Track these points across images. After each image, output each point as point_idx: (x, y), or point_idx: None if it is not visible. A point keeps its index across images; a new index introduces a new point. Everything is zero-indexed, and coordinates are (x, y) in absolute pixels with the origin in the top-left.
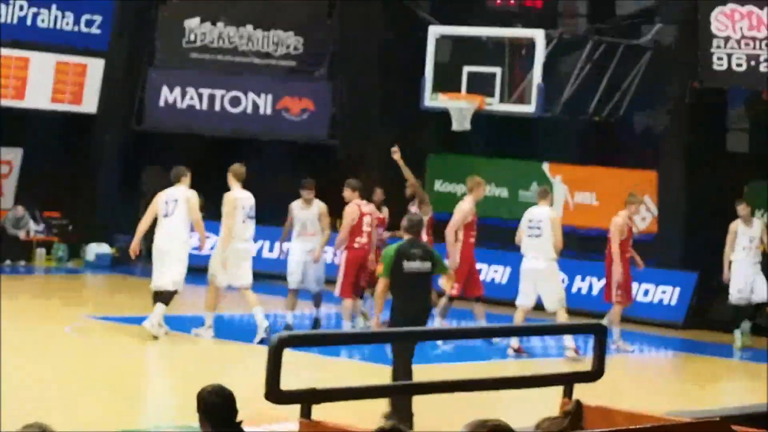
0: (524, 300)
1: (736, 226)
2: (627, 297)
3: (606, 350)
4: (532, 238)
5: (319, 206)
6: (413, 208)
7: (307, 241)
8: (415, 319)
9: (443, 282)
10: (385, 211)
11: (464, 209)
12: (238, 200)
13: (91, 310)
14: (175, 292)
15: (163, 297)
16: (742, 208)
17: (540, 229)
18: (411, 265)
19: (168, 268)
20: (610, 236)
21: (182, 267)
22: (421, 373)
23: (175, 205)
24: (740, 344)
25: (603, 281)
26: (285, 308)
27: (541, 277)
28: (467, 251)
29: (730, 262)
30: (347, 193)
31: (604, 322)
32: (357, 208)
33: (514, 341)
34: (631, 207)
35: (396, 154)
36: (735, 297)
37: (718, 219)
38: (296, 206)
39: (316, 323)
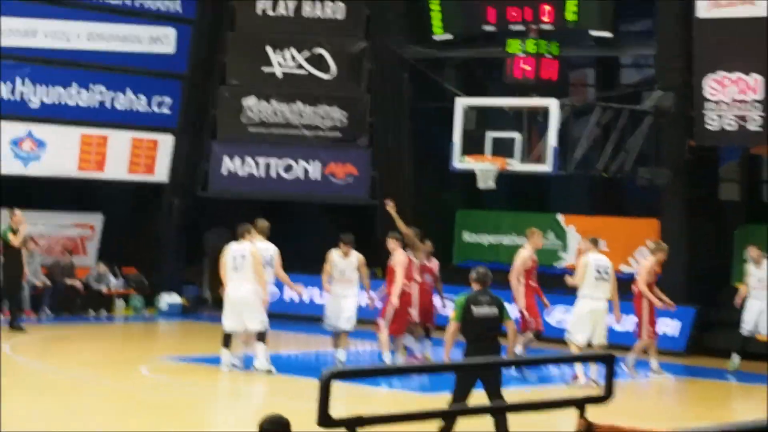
0: (584, 338)
1: (750, 269)
2: (654, 332)
3: (616, 376)
4: (600, 282)
5: (357, 257)
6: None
7: (345, 287)
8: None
9: (507, 325)
10: (434, 261)
11: (524, 256)
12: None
13: (165, 352)
14: (265, 332)
15: (261, 336)
16: (752, 251)
17: (608, 274)
18: (480, 311)
19: (251, 314)
20: (638, 278)
21: (262, 309)
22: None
23: (242, 260)
24: (734, 367)
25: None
26: (332, 346)
27: (602, 316)
28: (529, 293)
29: (743, 299)
30: (392, 244)
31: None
32: (406, 256)
33: (579, 372)
34: (658, 254)
35: (390, 207)
36: (745, 330)
37: (713, 260)
38: (336, 255)
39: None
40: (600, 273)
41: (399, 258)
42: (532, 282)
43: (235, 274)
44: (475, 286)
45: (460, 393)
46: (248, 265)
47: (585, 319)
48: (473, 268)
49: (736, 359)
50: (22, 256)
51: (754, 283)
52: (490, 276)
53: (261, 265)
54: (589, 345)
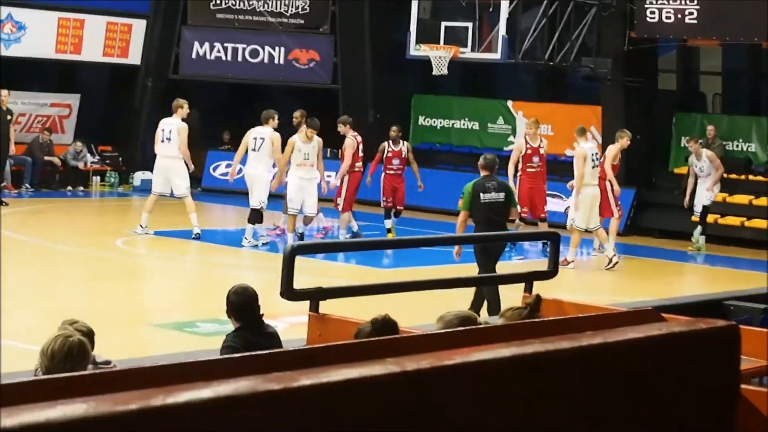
0: (585, 223)
1: (692, 160)
2: (620, 210)
3: (559, 254)
4: (594, 169)
5: (318, 141)
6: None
7: (307, 170)
8: (493, 245)
9: (512, 211)
10: (403, 145)
11: (517, 145)
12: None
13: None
14: (261, 210)
15: (252, 215)
16: (691, 145)
17: (598, 160)
18: (487, 197)
19: (255, 192)
20: (604, 162)
21: (266, 191)
22: (409, 274)
23: (262, 142)
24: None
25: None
26: (288, 230)
27: (597, 201)
28: (525, 180)
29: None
30: (341, 128)
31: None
32: (354, 139)
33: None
34: (623, 140)
35: None
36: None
37: (651, 145)
38: (298, 140)
39: (301, 237)
40: (594, 161)
41: (347, 141)
42: (529, 169)
43: (253, 154)
44: (483, 172)
45: (485, 271)
46: (265, 148)
47: (588, 206)
48: (427, 149)
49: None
50: (10, 134)
51: (698, 173)
52: (497, 162)
53: (279, 151)
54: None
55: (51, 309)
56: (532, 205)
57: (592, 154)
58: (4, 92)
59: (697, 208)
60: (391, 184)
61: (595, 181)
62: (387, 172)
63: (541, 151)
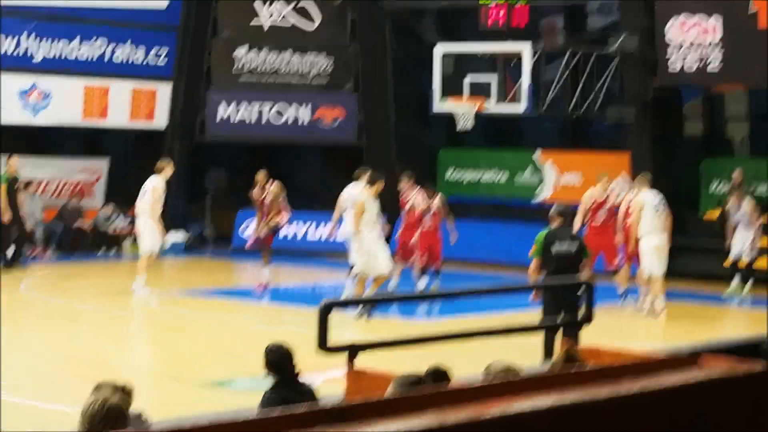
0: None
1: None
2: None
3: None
4: (655, 219)
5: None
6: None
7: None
8: (564, 293)
9: (585, 263)
10: (437, 199)
11: (584, 197)
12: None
13: (172, 286)
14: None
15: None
16: (731, 201)
17: (661, 208)
18: (559, 247)
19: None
20: (632, 212)
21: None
22: (453, 324)
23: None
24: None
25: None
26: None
27: (662, 249)
28: (589, 233)
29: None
30: (405, 184)
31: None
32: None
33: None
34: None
35: None
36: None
37: (681, 190)
38: (371, 198)
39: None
40: (657, 210)
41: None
42: (594, 223)
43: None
44: (555, 222)
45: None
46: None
47: (653, 254)
48: (456, 202)
49: (735, 285)
50: (18, 200)
51: (738, 219)
52: (570, 212)
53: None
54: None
55: (89, 371)
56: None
57: (653, 204)
58: (14, 160)
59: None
60: (427, 241)
61: (660, 228)
62: (421, 229)
63: (607, 204)
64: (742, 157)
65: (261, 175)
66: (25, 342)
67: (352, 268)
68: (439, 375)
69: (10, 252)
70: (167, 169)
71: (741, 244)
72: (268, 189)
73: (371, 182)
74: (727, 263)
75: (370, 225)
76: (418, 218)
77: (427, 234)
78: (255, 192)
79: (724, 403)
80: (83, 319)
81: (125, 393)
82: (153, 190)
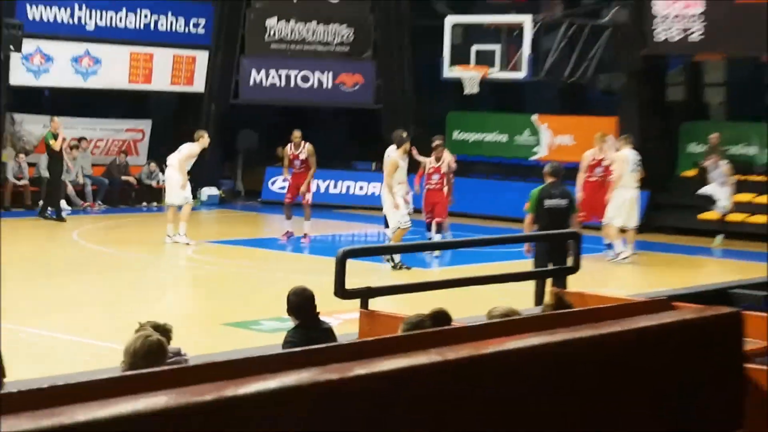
0: (620, 222)
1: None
2: None
3: (581, 251)
4: (634, 173)
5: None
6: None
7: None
8: (555, 247)
9: (573, 217)
10: (445, 158)
11: (584, 156)
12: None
13: (207, 236)
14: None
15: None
16: (709, 161)
17: (639, 166)
18: (551, 203)
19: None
20: (615, 167)
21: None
22: (457, 271)
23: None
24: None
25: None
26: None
27: (635, 203)
28: (587, 188)
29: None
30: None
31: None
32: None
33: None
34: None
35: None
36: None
37: (662, 151)
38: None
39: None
40: (634, 165)
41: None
42: (591, 178)
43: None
44: (549, 179)
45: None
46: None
47: (626, 206)
48: (462, 160)
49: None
50: (63, 157)
51: (714, 177)
52: (562, 170)
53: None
54: (623, 229)
55: (132, 311)
56: (591, 210)
57: (632, 160)
58: (56, 119)
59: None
60: (431, 199)
61: (632, 184)
62: (427, 187)
63: (604, 162)
64: (718, 121)
65: (297, 133)
66: (78, 286)
67: (385, 221)
68: (439, 317)
69: (63, 205)
70: (203, 139)
71: (724, 200)
72: (303, 147)
73: (399, 143)
74: (716, 216)
75: (399, 182)
76: (426, 176)
77: (432, 192)
78: (289, 148)
79: (694, 341)
80: (127, 265)
81: (164, 332)
82: (187, 150)
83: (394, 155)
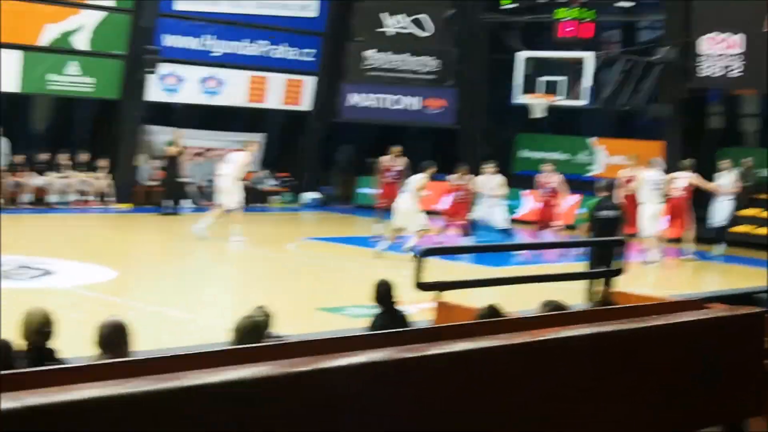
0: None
1: (719, 176)
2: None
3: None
4: (653, 192)
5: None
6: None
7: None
8: (605, 252)
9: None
10: (468, 178)
11: (619, 174)
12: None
13: (307, 234)
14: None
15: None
16: (722, 163)
17: (657, 186)
18: (602, 214)
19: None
20: (633, 185)
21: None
22: (516, 271)
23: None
24: (717, 252)
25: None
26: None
27: (657, 215)
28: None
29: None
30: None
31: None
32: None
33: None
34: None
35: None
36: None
37: (702, 172)
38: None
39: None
40: (654, 185)
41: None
42: (627, 192)
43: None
44: (602, 194)
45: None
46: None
47: (649, 219)
48: (527, 175)
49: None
50: (177, 162)
51: (720, 186)
52: (612, 185)
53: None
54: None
55: (240, 296)
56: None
57: (653, 181)
58: (178, 130)
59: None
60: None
61: (657, 200)
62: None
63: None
64: (753, 147)
65: (397, 148)
66: (196, 273)
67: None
68: (493, 311)
69: (185, 203)
70: (252, 146)
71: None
72: (400, 159)
73: (426, 168)
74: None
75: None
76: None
77: (458, 204)
78: (386, 159)
79: (725, 336)
80: (237, 256)
81: (266, 314)
82: (242, 159)
83: (422, 179)
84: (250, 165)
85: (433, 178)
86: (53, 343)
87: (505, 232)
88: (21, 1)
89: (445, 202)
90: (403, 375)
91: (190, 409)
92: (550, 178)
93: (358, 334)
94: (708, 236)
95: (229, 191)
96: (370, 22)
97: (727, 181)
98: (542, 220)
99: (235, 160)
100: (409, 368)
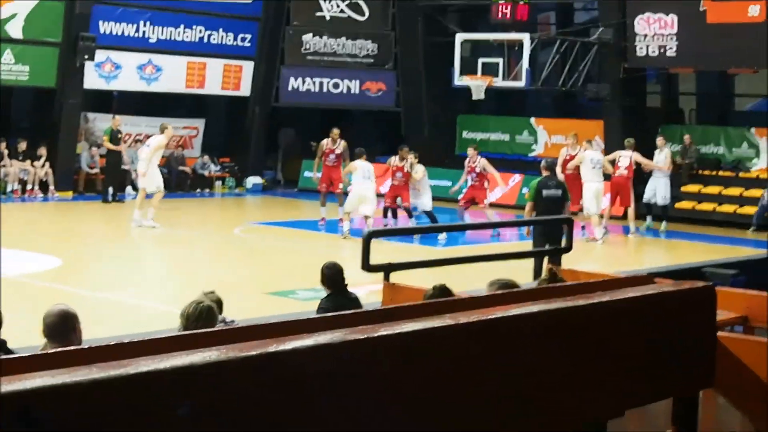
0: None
1: (656, 152)
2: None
3: (573, 234)
4: (594, 171)
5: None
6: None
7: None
8: (551, 230)
9: (566, 204)
10: (407, 162)
11: (560, 153)
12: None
13: (251, 218)
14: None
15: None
16: (658, 140)
17: (600, 163)
18: (548, 192)
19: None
20: (571, 163)
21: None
22: (463, 251)
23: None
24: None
25: None
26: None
27: (599, 193)
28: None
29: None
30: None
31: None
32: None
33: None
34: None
35: None
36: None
37: (644, 151)
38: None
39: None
40: (595, 163)
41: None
42: (566, 172)
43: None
44: (545, 173)
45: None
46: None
47: (599, 196)
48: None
49: (649, 220)
50: (121, 150)
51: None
52: (555, 164)
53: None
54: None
55: (187, 281)
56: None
57: (594, 160)
58: (117, 118)
59: (659, 197)
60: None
61: (596, 178)
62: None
63: (575, 159)
64: (692, 125)
65: (336, 131)
66: (142, 259)
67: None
68: (444, 291)
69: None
70: (168, 130)
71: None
72: (339, 143)
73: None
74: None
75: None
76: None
77: (397, 186)
78: (326, 143)
79: (676, 311)
80: (182, 242)
81: (214, 299)
82: (156, 142)
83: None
84: (162, 149)
85: (377, 160)
86: (1, 334)
87: (428, 214)
88: None
89: (385, 185)
90: (355, 357)
91: (141, 397)
92: (474, 161)
93: (309, 317)
94: (647, 212)
95: (145, 175)
96: (307, 6)
97: (662, 158)
98: (471, 200)
99: (148, 144)
100: (357, 349)
